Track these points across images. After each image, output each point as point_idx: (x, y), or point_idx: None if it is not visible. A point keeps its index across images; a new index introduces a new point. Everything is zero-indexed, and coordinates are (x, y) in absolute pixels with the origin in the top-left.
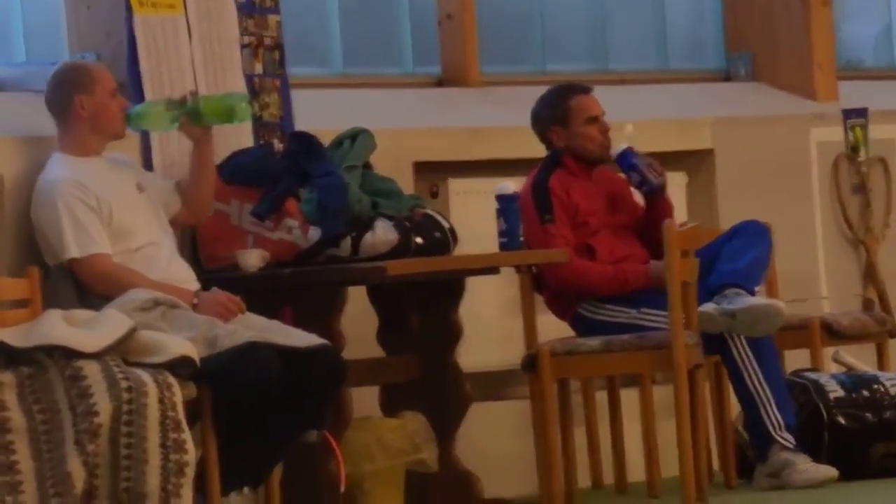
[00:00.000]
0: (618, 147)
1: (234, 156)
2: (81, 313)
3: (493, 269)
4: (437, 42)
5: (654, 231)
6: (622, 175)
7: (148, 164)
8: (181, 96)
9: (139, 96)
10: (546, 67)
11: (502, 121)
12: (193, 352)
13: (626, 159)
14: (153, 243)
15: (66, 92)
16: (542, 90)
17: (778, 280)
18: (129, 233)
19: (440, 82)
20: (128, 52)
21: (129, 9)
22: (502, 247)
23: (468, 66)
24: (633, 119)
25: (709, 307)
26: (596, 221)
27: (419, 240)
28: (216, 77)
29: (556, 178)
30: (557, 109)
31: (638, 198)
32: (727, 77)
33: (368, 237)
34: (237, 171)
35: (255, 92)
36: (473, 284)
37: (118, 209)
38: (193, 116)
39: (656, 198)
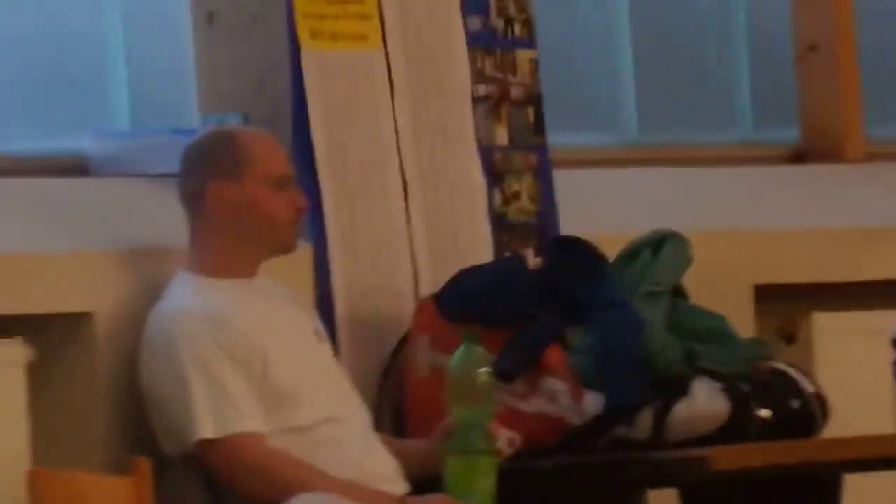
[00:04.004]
0: None
1: (461, 277)
2: None
3: (889, 461)
4: (795, 92)
5: None
6: None
7: (325, 291)
8: (504, 448)
9: (309, 177)
10: None
11: None
12: None
13: None
14: (333, 419)
15: (198, 178)
16: None
17: None
18: (294, 399)
19: (797, 155)
20: (293, 111)
21: (294, 43)
22: None
23: (846, 125)
24: None
25: None
26: None
27: (764, 412)
28: (432, 153)
29: None
30: None
31: None
32: None
33: (682, 409)
34: (467, 302)
35: (496, 175)
36: (856, 483)
37: (277, 360)
38: (460, 470)
39: None
